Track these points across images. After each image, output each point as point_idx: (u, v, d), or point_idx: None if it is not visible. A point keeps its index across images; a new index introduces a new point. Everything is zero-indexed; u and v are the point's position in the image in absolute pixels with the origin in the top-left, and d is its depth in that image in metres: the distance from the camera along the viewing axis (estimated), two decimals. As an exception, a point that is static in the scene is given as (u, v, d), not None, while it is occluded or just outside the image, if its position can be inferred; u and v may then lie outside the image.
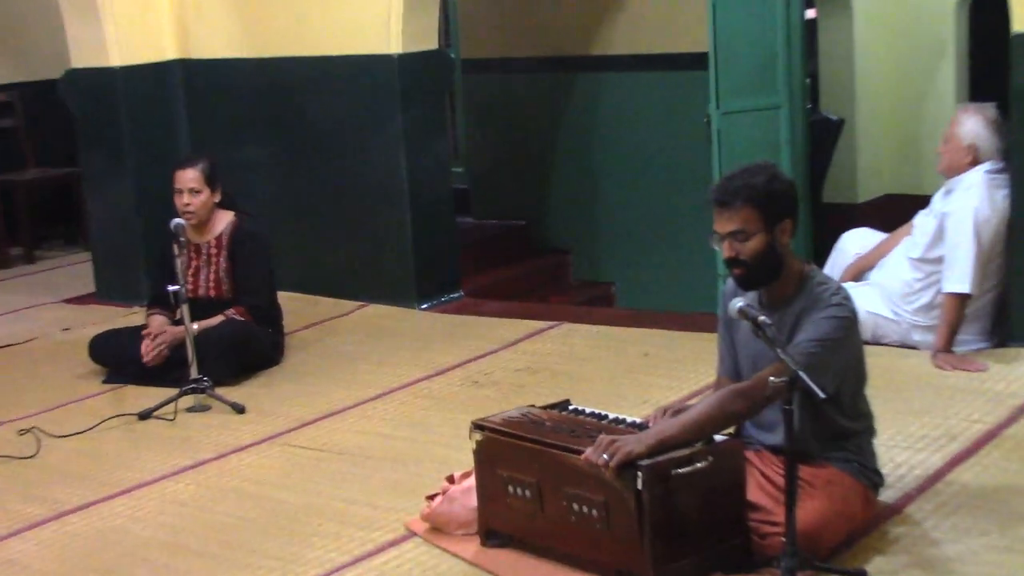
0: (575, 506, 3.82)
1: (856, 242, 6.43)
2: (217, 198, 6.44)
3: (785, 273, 3.99)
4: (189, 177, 6.35)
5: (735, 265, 3.96)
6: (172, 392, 5.84)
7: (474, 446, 4.12)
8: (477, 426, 4.12)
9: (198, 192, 6.34)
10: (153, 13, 7.97)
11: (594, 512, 3.77)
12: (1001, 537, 4.03)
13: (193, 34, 8.08)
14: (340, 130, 7.66)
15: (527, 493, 3.96)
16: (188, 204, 6.33)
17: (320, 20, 7.57)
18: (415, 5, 7.29)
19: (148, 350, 6.22)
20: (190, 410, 5.82)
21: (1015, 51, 5.70)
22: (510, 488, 4.00)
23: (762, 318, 3.72)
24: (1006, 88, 5.82)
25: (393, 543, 4.30)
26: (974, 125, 5.86)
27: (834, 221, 8.38)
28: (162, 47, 8.04)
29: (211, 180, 6.39)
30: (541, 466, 3.91)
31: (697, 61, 7.52)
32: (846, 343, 3.95)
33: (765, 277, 3.98)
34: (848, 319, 3.95)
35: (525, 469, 3.96)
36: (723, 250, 3.97)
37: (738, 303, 3.84)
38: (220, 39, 8.00)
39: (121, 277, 8.09)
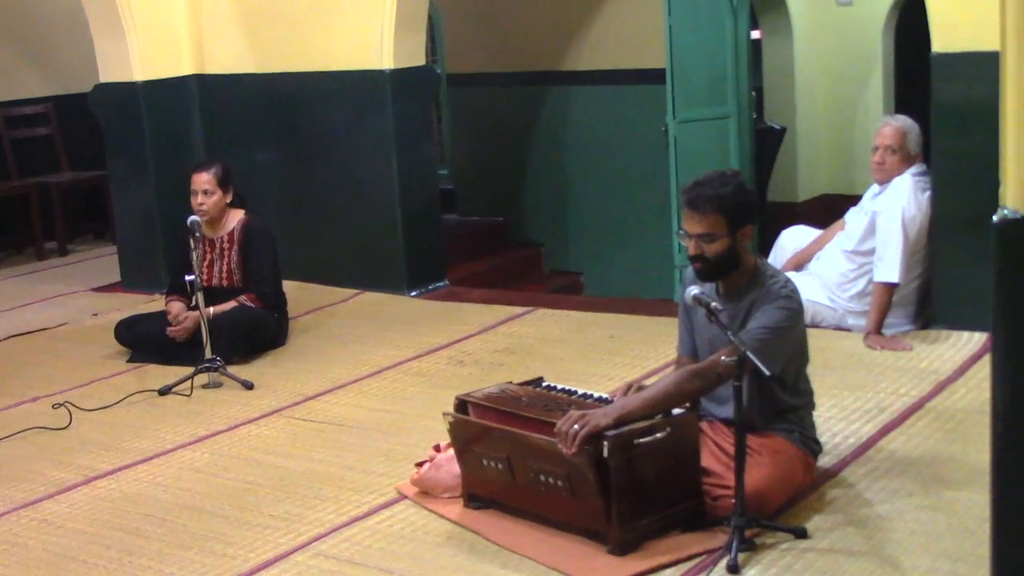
0: (542, 478, 3.80)
1: (793, 238, 6.40)
2: (229, 198, 6.39)
3: (741, 268, 3.97)
4: (203, 180, 6.31)
5: (698, 261, 3.94)
6: (189, 370, 5.79)
7: (447, 427, 4.08)
8: (460, 401, 4.09)
9: (211, 193, 6.30)
10: (172, 33, 7.91)
11: (559, 483, 3.75)
12: (925, 497, 4.03)
13: (207, 52, 8.02)
14: (338, 137, 7.61)
15: (499, 466, 3.93)
16: (202, 204, 6.28)
17: (321, 39, 7.53)
18: (405, 26, 7.25)
19: (175, 330, 6.21)
20: (205, 387, 5.77)
21: (935, 68, 5.69)
22: (484, 462, 3.98)
23: (714, 305, 3.71)
24: (927, 100, 5.81)
25: (386, 505, 4.27)
26: (916, 136, 5.86)
27: (778, 217, 8.41)
28: (180, 64, 7.98)
29: (223, 182, 6.35)
30: (508, 444, 3.88)
31: (656, 76, 7.50)
32: (792, 330, 3.93)
33: (723, 272, 3.96)
34: (795, 309, 3.94)
35: (495, 447, 3.93)
36: (689, 247, 3.94)
37: (693, 291, 3.83)
38: (232, 56, 7.94)
39: (143, 268, 8.04)
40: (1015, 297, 2.33)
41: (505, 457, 3.89)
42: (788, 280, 4.02)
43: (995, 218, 2.32)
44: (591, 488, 3.65)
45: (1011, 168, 2.32)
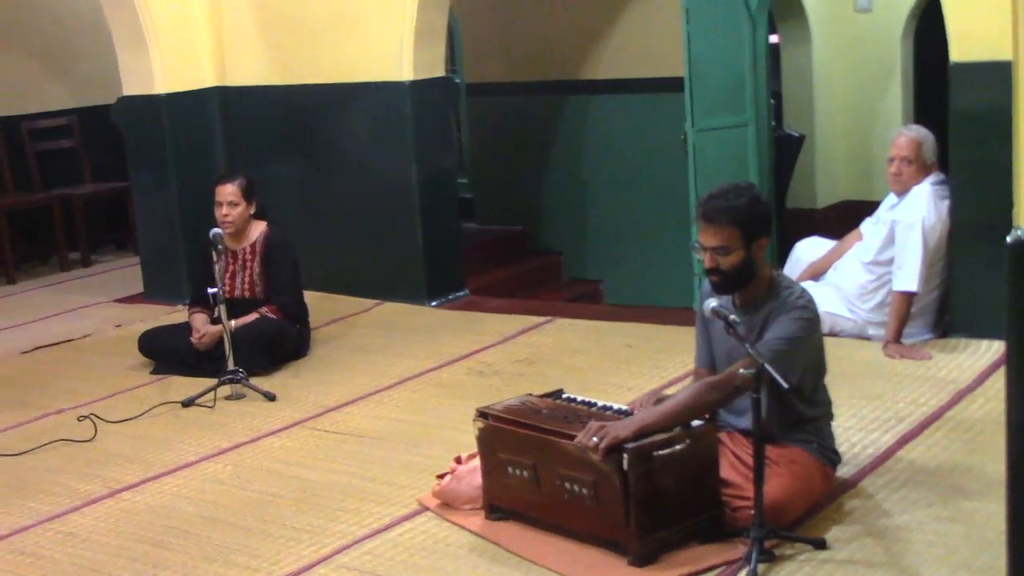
0: (567, 485, 3.82)
1: (808, 250, 6.39)
2: (252, 210, 6.43)
3: (757, 280, 3.98)
4: (228, 191, 6.34)
5: (714, 274, 3.95)
6: (211, 382, 5.82)
7: (476, 433, 4.12)
8: (481, 413, 4.12)
9: (236, 205, 6.33)
10: (193, 46, 7.97)
11: (584, 491, 3.77)
12: (944, 508, 4.03)
13: (229, 64, 8.08)
14: (358, 148, 7.65)
15: (525, 474, 3.95)
16: (227, 215, 6.32)
17: (341, 51, 7.57)
18: (424, 38, 7.29)
19: (199, 342, 6.25)
20: (227, 398, 5.81)
21: (954, 77, 5.69)
22: (509, 469, 4.00)
23: (732, 317, 3.73)
24: (946, 107, 5.81)
25: (407, 517, 4.30)
26: (931, 145, 5.85)
27: (796, 225, 8.41)
28: (201, 76, 8.04)
29: (248, 194, 6.38)
30: (537, 451, 3.91)
31: (674, 84, 7.50)
32: (809, 341, 3.94)
33: (739, 285, 3.98)
34: (811, 320, 3.95)
35: (522, 453, 3.95)
36: (705, 260, 3.96)
37: (711, 303, 3.84)
38: (253, 68, 7.99)
39: (166, 279, 8.09)
40: (1030, 317, 2.35)
41: (532, 464, 3.92)
42: (804, 291, 4.03)
43: (1008, 239, 2.32)
44: (617, 495, 3.67)
45: (1024, 189, 2.33)
